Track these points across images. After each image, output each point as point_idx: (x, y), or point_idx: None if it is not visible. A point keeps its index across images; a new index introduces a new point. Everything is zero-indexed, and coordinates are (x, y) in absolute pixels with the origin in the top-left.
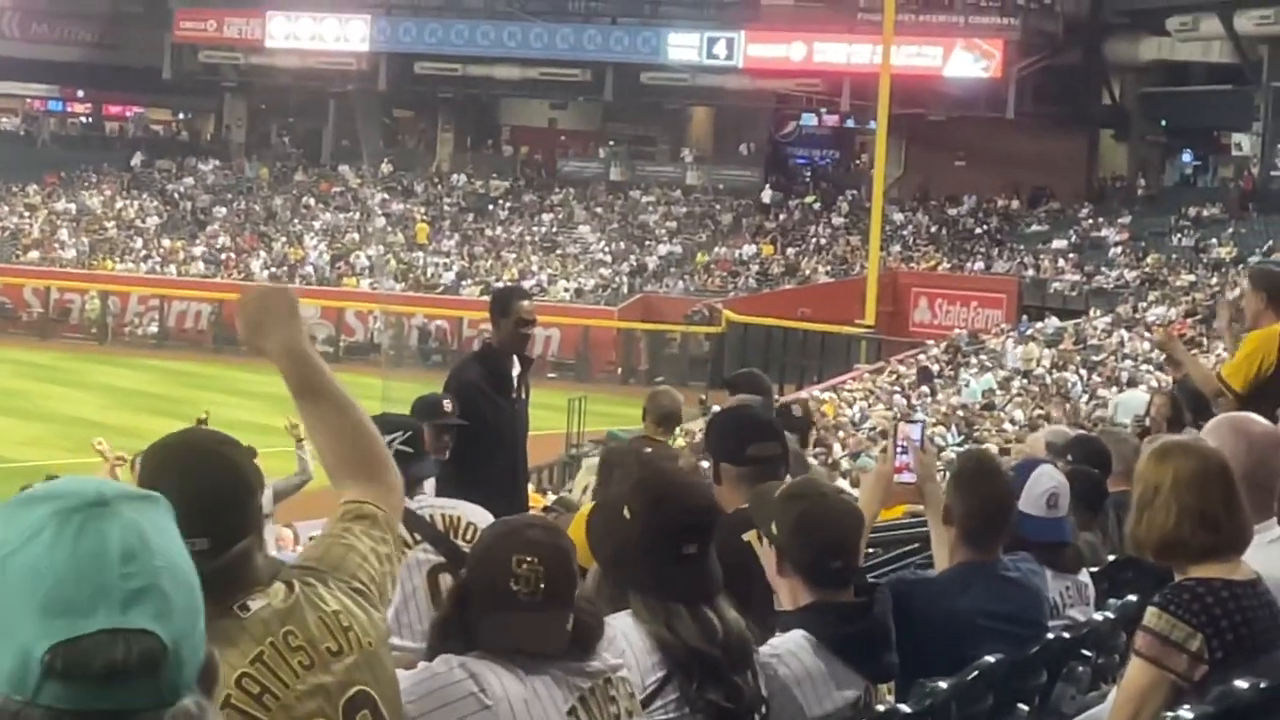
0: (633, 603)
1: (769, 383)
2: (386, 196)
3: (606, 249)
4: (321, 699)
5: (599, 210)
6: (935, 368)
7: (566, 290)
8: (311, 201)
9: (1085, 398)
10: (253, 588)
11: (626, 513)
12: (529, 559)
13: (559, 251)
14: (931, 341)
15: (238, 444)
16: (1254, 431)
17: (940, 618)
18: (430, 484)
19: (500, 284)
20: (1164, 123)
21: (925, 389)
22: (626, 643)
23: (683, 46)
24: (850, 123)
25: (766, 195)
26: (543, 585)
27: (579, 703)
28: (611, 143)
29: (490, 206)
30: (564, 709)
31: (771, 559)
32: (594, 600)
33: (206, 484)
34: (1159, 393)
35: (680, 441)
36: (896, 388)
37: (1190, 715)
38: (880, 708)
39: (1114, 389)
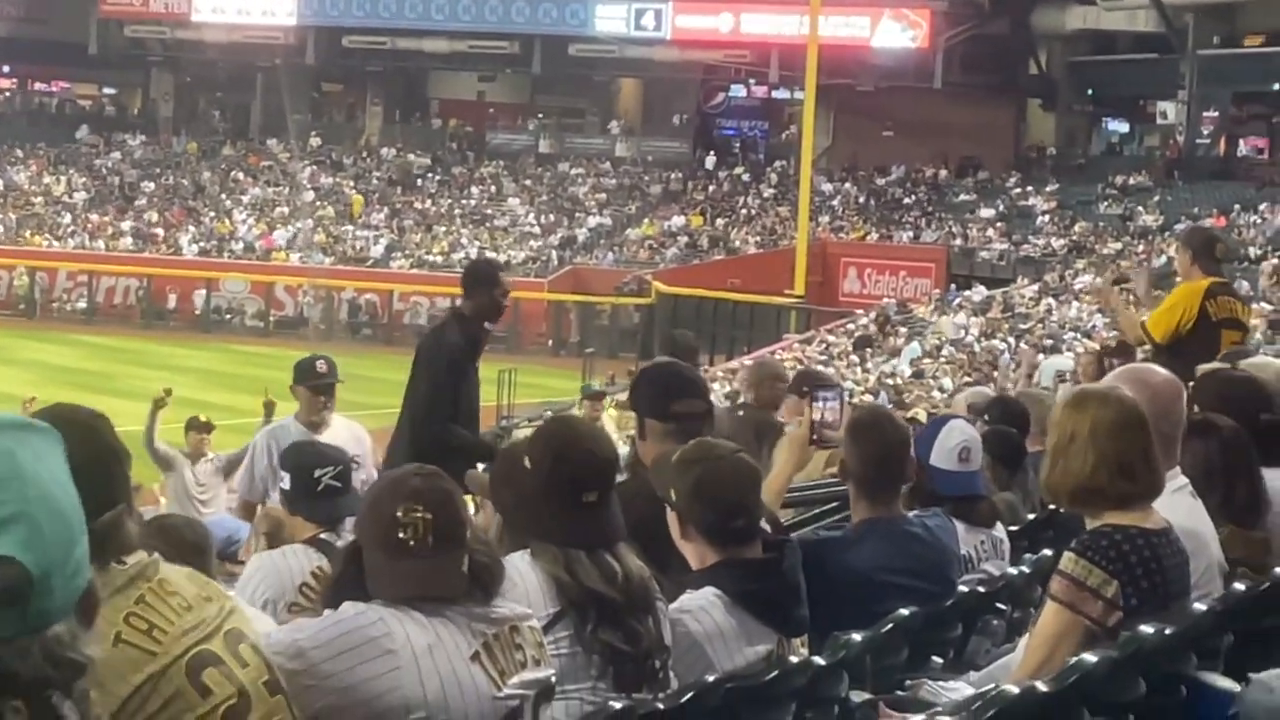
0: (532, 546)
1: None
2: (315, 170)
3: (536, 221)
4: (205, 632)
5: (528, 183)
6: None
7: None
8: (240, 175)
9: (1013, 366)
10: (126, 550)
11: (527, 462)
12: (415, 508)
13: (488, 224)
14: (861, 311)
15: (106, 419)
16: (1155, 381)
17: (840, 574)
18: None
19: (477, 256)
20: (1090, 92)
21: (855, 357)
22: (521, 579)
23: (610, 18)
24: (779, 94)
25: (710, 161)
26: (431, 532)
27: (483, 648)
28: (540, 115)
29: (419, 180)
30: (467, 654)
31: (673, 521)
32: (489, 543)
33: (79, 455)
34: (1086, 353)
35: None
36: (825, 356)
37: (1094, 658)
38: (793, 659)
39: (1041, 356)
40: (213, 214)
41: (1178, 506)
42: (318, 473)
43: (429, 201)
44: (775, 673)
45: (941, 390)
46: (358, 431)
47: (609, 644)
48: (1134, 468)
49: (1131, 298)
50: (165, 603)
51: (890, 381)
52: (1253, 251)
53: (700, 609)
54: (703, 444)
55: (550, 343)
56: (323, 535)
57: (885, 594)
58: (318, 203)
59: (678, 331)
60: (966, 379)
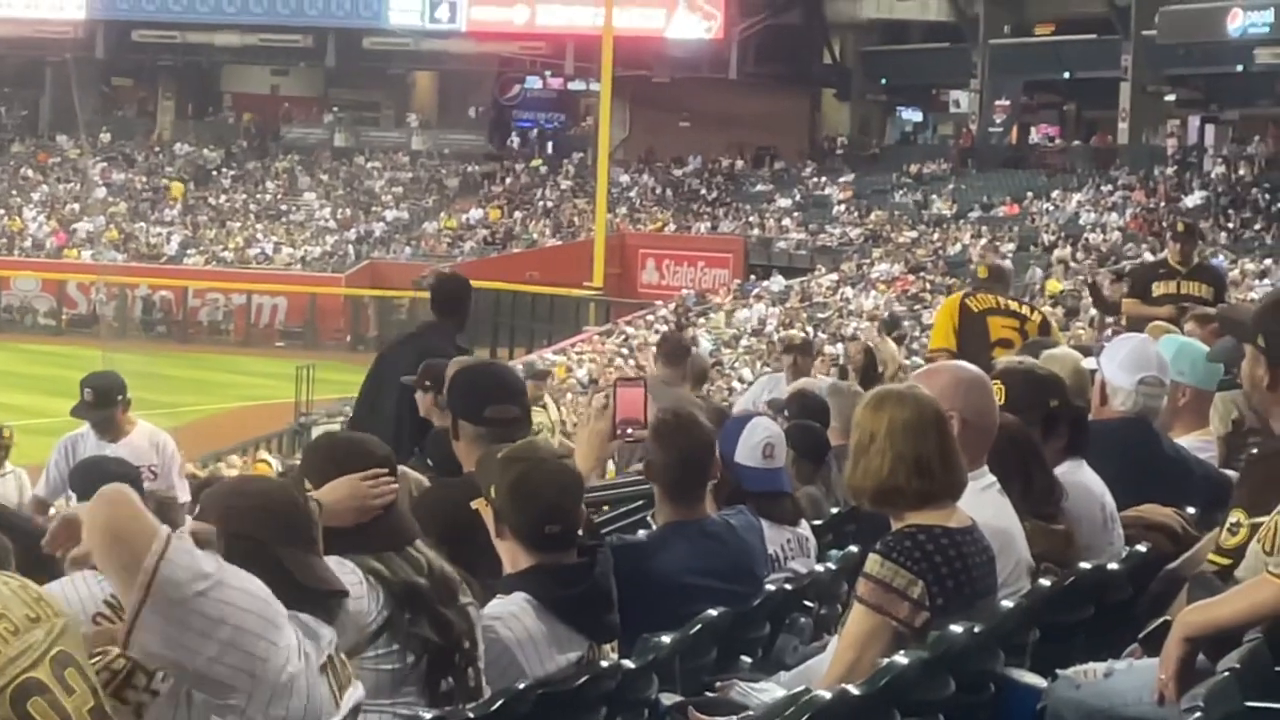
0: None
1: None
2: (106, 166)
3: (332, 216)
4: (31, 659)
5: (324, 177)
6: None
7: (292, 258)
8: (30, 173)
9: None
10: None
11: (307, 481)
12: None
13: (284, 219)
14: (660, 302)
15: None
16: (965, 378)
17: (647, 579)
18: None
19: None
20: (884, 81)
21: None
22: (350, 584)
23: (405, 10)
24: (575, 85)
25: (507, 154)
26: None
27: (329, 660)
28: (335, 109)
29: (213, 174)
30: (320, 662)
31: (490, 522)
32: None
33: None
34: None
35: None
36: (625, 349)
37: (904, 660)
38: (604, 664)
39: (839, 345)
40: (2, 212)
41: (985, 504)
42: None
43: (223, 197)
44: (585, 678)
45: (741, 380)
46: (159, 438)
47: (425, 639)
48: (931, 466)
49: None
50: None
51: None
52: (1045, 239)
53: (511, 615)
54: (530, 445)
55: (348, 338)
56: None
57: (693, 597)
58: (109, 199)
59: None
60: (766, 369)
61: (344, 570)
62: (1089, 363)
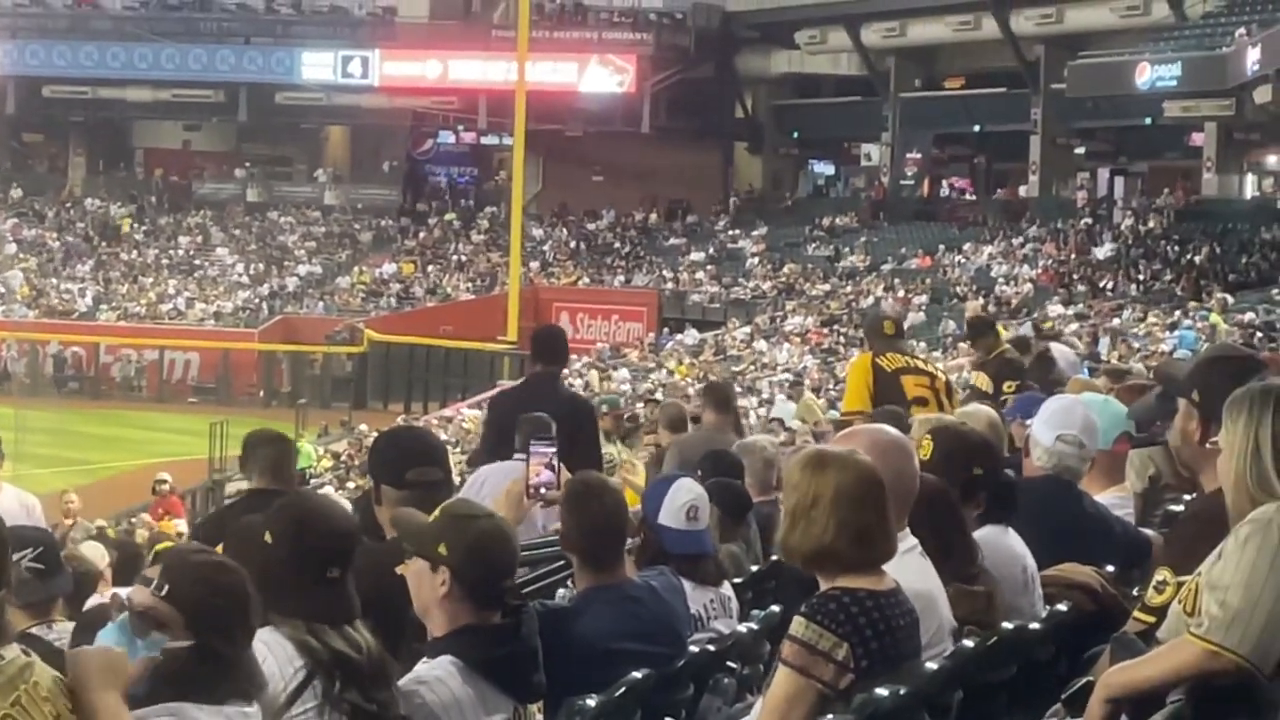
0: (274, 622)
1: None
2: (17, 222)
3: (245, 271)
4: None
5: (236, 232)
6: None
7: (205, 313)
8: None
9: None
10: (4, 639)
11: (269, 537)
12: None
13: (197, 274)
14: (575, 356)
15: None
16: (884, 441)
17: (569, 645)
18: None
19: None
20: (796, 134)
21: None
22: (269, 650)
23: (317, 65)
24: (488, 139)
25: (420, 208)
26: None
27: None
28: (248, 164)
29: (126, 229)
30: None
31: (436, 583)
32: None
33: None
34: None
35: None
36: None
37: None
38: None
39: (753, 398)
40: None
41: (908, 567)
42: (16, 555)
43: (135, 252)
44: None
45: None
46: (27, 500)
47: (356, 705)
48: (872, 534)
49: None
50: (38, 708)
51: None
52: (958, 290)
53: (437, 679)
54: (469, 503)
55: (262, 393)
56: (33, 629)
57: (617, 661)
58: (19, 255)
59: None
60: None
61: (272, 639)
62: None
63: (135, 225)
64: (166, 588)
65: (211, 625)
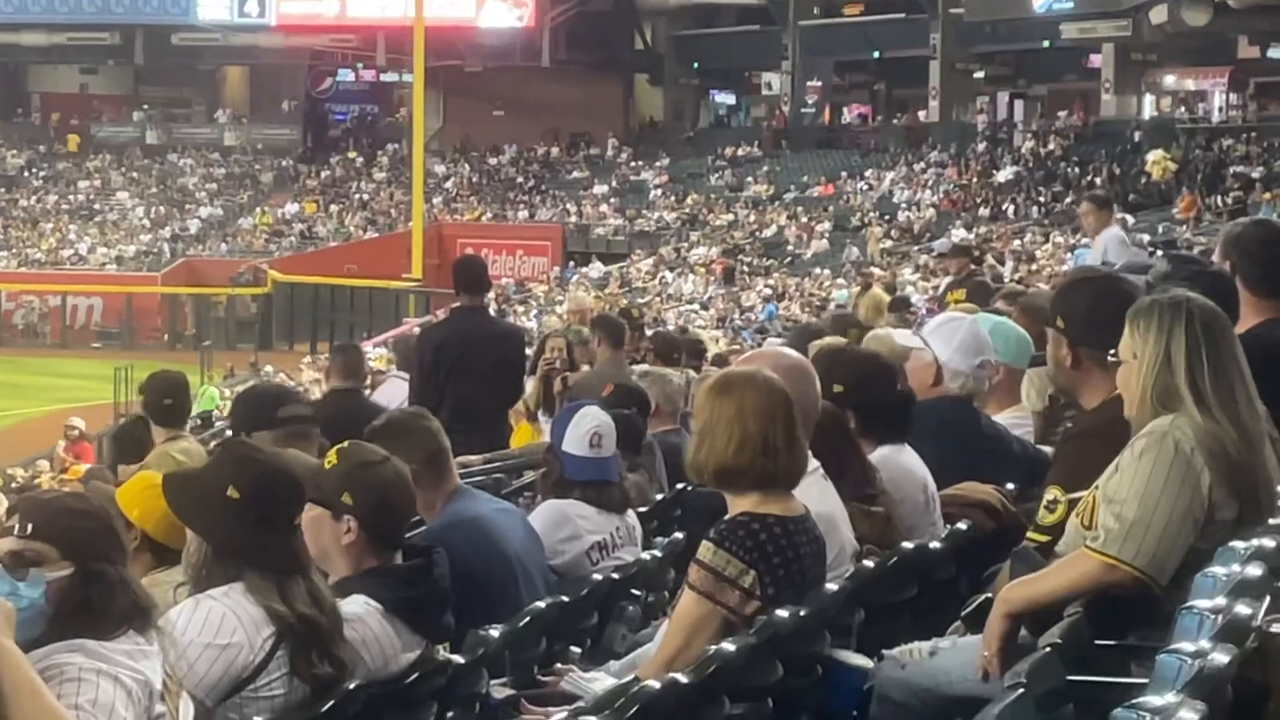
0: (247, 578)
1: None
2: None
3: (146, 214)
4: None
5: (136, 175)
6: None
7: (107, 258)
8: None
9: None
10: None
11: (233, 492)
12: None
13: (98, 219)
14: None
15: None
16: (785, 364)
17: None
18: None
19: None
20: (696, 65)
21: None
22: (237, 620)
23: (213, 6)
24: (387, 76)
25: (322, 147)
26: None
27: (164, 686)
28: (145, 106)
29: (24, 175)
30: (159, 688)
31: (340, 530)
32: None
33: None
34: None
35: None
36: None
37: (731, 647)
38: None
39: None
40: None
41: (810, 490)
42: None
43: (34, 198)
44: (415, 674)
45: None
46: None
47: (319, 675)
48: (777, 449)
49: None
50: None
51: None
52: (859, 218)
53: (357, 616)
54: (364, 446)
55: (166, 337)
56: None
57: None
58: None
59: None
60: None
61: (243, 604)
62: (913, 340)
63: (33, 171)
64: (30, 526)
65: (86, 549)
